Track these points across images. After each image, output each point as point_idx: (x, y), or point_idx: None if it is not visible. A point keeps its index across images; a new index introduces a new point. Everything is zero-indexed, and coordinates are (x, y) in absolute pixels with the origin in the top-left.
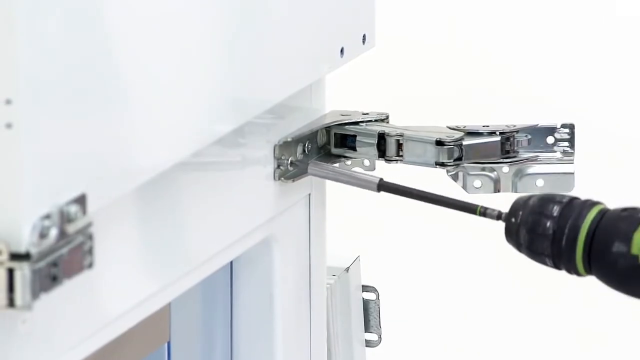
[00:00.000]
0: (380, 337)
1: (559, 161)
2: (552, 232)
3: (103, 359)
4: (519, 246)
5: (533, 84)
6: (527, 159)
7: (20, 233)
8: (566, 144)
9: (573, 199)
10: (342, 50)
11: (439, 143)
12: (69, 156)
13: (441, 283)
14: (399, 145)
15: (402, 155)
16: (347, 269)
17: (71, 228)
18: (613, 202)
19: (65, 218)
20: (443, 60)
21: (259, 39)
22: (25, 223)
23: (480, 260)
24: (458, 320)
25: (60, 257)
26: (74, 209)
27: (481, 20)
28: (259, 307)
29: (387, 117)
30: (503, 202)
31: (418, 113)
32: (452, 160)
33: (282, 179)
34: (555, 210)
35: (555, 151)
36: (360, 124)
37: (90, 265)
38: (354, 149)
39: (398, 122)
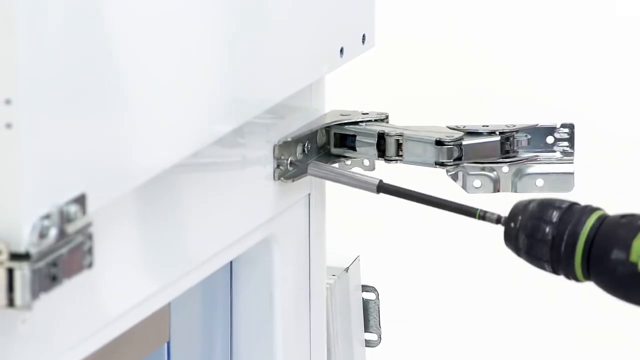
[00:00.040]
0: (380, 337)
1: (559, 161)
2: (552, 238)
3: (103, 359)
4: (517, 251)
5: (533, 84)
6: (527, 159)
7: (20, 233)
8: (566, 143)
9: (572, 205)
10: (341, 50)
11: (439, 143)
12: (69, 156)
13: (441, 283)
14: (399, 145)
15: (401, 155)
16: (347, 269)
17: (71, 228)
18: (613, 202)
19: (65, 218)
20: (443, 60)
21: (259, 39)
22: (25, 223)
23: (480, 260)
24: (458, 320)
25: (60, 257)
26: (73, 209)
27: (481, 20)
28: (259, 307)
29: (387, 117)
30: (503, 202)
31: (418, 113)
32: (451, 160)
33: (282, 179)
34: (555, 215)
35: (555, 151)
36: (360, 123)
37: (90, 265)
38: (353, 148)
39: (398, 122)
